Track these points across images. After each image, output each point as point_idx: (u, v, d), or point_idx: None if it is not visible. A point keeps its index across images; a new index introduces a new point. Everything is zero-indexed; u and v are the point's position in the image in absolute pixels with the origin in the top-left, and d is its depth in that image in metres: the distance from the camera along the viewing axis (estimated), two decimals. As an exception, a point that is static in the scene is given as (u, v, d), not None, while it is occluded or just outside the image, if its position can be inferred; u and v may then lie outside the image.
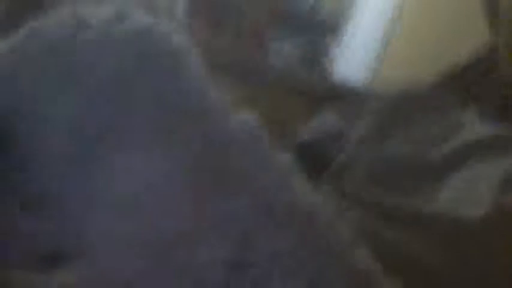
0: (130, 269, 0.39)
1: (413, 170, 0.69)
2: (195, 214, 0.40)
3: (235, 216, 0.41)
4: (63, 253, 0.40)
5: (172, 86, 0.42)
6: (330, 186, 0.68)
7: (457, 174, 0.66)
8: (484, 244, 0.59)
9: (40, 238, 0.41)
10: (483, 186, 0.63)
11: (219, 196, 0.41)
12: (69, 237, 0.40)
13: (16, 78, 0.42)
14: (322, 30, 1.65)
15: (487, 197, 0.62)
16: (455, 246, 0.59)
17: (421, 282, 0.56)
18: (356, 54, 1.69)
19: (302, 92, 1.02)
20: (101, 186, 0.39)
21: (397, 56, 1.67)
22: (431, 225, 0.61)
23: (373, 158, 0.71)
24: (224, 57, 0.96)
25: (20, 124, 0.41)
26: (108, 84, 0.41)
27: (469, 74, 0.93)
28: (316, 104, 0.91)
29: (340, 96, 0.97)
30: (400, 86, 0.85)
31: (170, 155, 0.40)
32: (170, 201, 0.40)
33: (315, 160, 0.72)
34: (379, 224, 0.61)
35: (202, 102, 0.43)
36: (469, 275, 0.57)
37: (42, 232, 0.41)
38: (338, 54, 1.71)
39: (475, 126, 0.73)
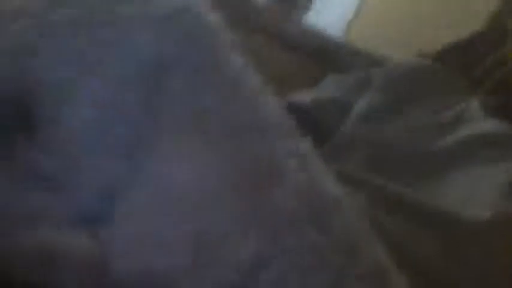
0: (162, 265, 0.37)
1: (415, 160, 0.68)
2: (231, 212, 0.38)
3: (268, 214, 0.39)
4: None
5: (210, 64, 0.39)
6: (331, 164, 0.66)
7: (460, 171, 0.66)
8: (486, 248, 0.59)
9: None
10: (487, 188, 0.63)
11: (254, 194, 0.38)
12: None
13: (39, 48, 0.36)
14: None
15: (491, 200, 0.61)
16: (457, 247, 0.59)
17: (420, 278, 0.55)
18: (334, 7, 1.68)
19: (291, 45, 0.99)
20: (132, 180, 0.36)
21: (373, 15, 1.67)
22: (433, 223, 0.60)
23: (374, 141, 0.70)
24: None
25: (43, 102, 0.36)
26: (143, 68, 0.37)
27: (471, 52, 0.92)
28: (313, 65, 0.88)
29: (336, 56, 0.94)
30: (404, 61, 0.83)
31: (208, 151, 0.37)
32: (207, 200, 0.37)
33: (314, 126, 0.71)
34: (381, 213, 0.60)
35: (239, 81, 0.40)
36: (468, 275, 0.57)
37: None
38: (316, 5, 1.70)
39: (479, 120, 0.72)
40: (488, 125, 0.71)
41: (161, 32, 0.38)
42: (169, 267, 0.37)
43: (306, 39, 1.04)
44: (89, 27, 0.37)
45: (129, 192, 0.36)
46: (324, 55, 0.97)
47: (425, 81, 0.78)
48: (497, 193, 0.61)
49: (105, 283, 0.37)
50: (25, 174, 0.37)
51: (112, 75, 0.36)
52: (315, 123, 0.72)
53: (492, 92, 0.81)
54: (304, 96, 0.76)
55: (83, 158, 0.36)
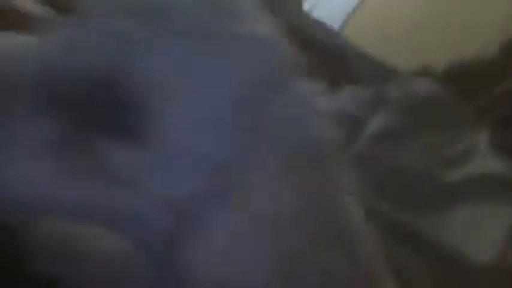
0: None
1: (424, 189, 0.69)
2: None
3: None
4: None
5: (299, 98, 0.40)
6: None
7: (467, 208, 0.66)
8: None
9: None
10: (492, 229, 0.64)
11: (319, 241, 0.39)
12: None
13: (150, 49, 0.36)
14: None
15: (495, 242, 0.63)
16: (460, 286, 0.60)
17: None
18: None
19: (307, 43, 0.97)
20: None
21: (374, 12, 1.67)
22: (440, 259, 0.61)
23: (385, 163, 0.70)
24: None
25: (141, 101, 0.35)
26: (245, 91, 0.37)
27: (479, 77, 0.92)
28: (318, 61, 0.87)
29: (343, 55, 0.93)
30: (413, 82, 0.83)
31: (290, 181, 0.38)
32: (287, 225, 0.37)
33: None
34: (393, 244, 0.60)
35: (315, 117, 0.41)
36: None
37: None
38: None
39: (488, 158, 0.73)
40: (497, 165, 0.71)
41: (263, 60, 0.38)
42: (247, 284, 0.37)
43: (313, 34, 1.03)
44: (201, 40, 0.37)
45: (207, 209, 0.36)
46: (331, 55, 0.96)
47: (439, 110, 0.79)
48: (502, 238, 0.62)
49: None
50: (95, 164, 0.36)
51: (216, 92, 0.36)
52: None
53: (498, 125, 0.82)
54: (327, 105, 0.76)
55: (167, 166, 0.36)
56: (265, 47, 0.38)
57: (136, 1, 0.37)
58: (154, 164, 0.35)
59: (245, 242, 0.36)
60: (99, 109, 0.35)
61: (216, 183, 0.36)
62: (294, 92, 0.39)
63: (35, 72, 0.35)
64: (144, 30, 0.36)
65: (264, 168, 0.36)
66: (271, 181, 0.36)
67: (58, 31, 0.37)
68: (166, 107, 0.35)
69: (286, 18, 1.00)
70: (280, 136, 0.37)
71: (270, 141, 0.36)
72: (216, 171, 0.36)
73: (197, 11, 0.37)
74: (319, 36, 0.97)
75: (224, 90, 0.36)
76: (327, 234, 0.39)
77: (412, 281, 0.58)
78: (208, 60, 0.36)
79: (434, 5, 1.55)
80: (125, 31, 0.35)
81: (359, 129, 0.73)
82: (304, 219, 0.37)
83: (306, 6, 1.56)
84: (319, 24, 1.05)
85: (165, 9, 0.36)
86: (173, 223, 0.36)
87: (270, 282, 0.36)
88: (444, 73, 0.97)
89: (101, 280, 0.38)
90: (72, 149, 0.35)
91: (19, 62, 0.36)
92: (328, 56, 0.93)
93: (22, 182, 0.35)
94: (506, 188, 0.69)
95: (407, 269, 0.58)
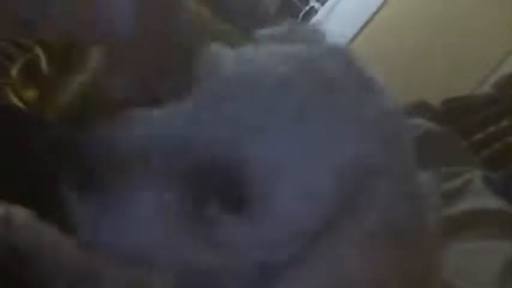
0: None
1: None
2: None
3: None
4: None
5: (407, 175, 0.40)
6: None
7: (458, 243, 0.67)
8: None
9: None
10: (483, 267, 0.66)
11: None
12: None
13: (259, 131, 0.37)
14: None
15: (486, 279, 0.64)
16: None
17: None
18: (339, 19, 1.75)
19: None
20: None
21: (376, 37, 1.69)
22: None
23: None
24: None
25: (254, 179, 0.37)
26: (346, 165, 0.37)
27: (475, 113, 0.93)
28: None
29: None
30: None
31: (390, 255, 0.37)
32: None
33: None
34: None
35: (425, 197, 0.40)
36: None
37: None
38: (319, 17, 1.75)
39: (482, 195, 0.74)
40: (493, 200, 0.72)
41: (369, 134, 0.38)
42: None
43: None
44: (307, 115, 0.37)
45: (290, 269, 0.37)
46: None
47: (438, 144, 0.79)
48: (494, 276, 0.63)
49: None
50: (207, 231, 0.38)
51: (317, 165, 0.37)
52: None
53: (489, 164, 0.83)
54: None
55: (266, 235, 0.37)
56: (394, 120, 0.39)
57: (246, 81, 0.38)
58: (255, 233, 0.37)
59: None
60: (214, 183, 0.37)
61: (305, 249, 0.37)
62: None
63: (160, 146, 0.37)
64: (257, 115, 0.37)
65: (351, 242, 0.37)
66: (353, 256, 0.37)
67: (179, 106, 0.39)
68: (274, 182, 0.36)
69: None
70: (382, 215, 0.37)
71: (365, 216, 0.37)
72: (308, 240, 0.37)
73: (311, 87, 0.38)
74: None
75: (330, 163, 0.37)
76: None
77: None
78: (319, 140, 0.37)
79: (431, 39, 1.58)
80: (239, 115, 0.37)
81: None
82: None
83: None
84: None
85: (277, 89, 0.37)
86: (258, 280, 0.38)
87: None
88: (440, 108, 0.98)
89: None
90: (187, 217, 0.37)
91: (150, 135, 0.38)
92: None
93: (140, 244, 0.38)
94: (498, 223, 0.70)
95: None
